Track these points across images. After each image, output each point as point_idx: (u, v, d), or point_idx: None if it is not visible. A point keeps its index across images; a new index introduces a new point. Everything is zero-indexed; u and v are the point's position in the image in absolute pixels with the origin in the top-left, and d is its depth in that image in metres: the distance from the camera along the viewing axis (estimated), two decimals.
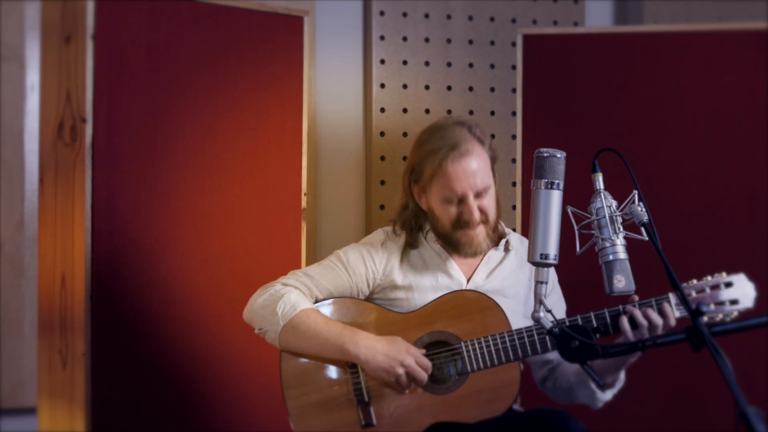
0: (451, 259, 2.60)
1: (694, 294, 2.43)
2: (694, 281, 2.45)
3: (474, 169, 2.50)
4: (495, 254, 2.64)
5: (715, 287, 2.43)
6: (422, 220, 2.62)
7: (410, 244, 2.60)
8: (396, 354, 2.45)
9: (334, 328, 2.49)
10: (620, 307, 2.41)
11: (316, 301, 2.56)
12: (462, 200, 2.51)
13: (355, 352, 2.46)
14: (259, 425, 3.10)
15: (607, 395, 2.59)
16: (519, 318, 2.55)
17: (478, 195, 2.51)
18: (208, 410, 3.05)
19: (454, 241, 2.56)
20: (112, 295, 2.90)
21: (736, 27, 3.45)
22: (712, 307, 2.41)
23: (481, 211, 2.52)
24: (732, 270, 2.50)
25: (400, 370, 2.44)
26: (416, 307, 2.55)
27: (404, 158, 3.83)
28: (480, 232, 2.54)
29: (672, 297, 2.42)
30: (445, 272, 2.59)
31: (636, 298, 2.42)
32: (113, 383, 2.89)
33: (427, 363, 2.46)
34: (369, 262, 2.58)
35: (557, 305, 2.66)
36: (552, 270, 2.67)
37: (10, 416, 3.30)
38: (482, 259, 2.63)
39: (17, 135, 3.32)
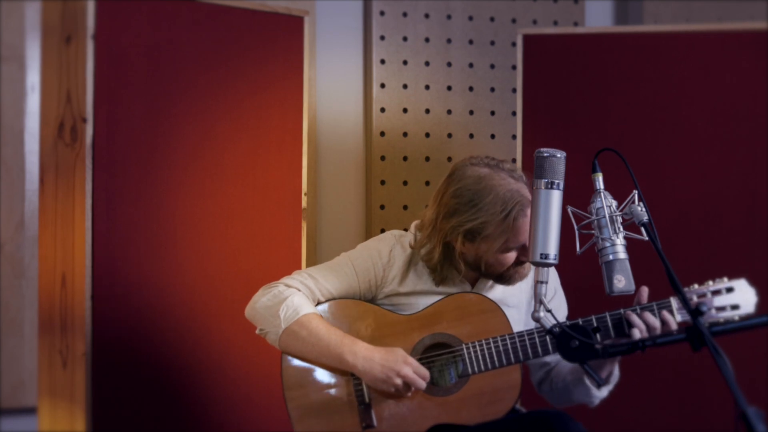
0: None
1: (695, 298, 2.42)
2: (696, 286, 2.45)
3: None
4: None
5: (717, 292, 2.43)
6: (451, 259, 2.53)
7: (441, 282, 2.55)
8: (393, 364, 2.44)
9: (334, 336, 2.48)
10: (621, 310, 2.42)
11: (318, 304, 2.56)
12: (522, 246, 2.47)
13: (353, 362, 2.46)
14: (259, 425, 3.10)
15: (603, 392, 2.58)
16: (521, 327, 2.54)
17: None
18: (208, 410, 3.05)
19: (502, 277, 2.52)
20: (112, 295, 2.90)
21: (736, 27, 3.45)
22: (713, 311, 2.41)
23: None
24: (732, 271, 2.50)
25: (398, 381, 2.44)
26: (419, 309, 2.55)
27: (404, 158, 3.84)
28: (528, 264, 2.51)
29: (674, 301, 2.42)
30: (452, 278, 2.58)
31: (646, 292, 2.42)
32: (113, 383, 2.89)
33: (425, 372, 2.46)
34: (378, 268, 2.57)
35: (559, 309, 2.64)
36: (555, 274, 2.68)
37: (11, 416, 3.30)
38: None
39: (17, 135, 3.32)
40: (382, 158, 3.82)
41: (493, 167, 2.48)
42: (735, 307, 2.42)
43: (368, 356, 2.46)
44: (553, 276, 2.67)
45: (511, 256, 2.47)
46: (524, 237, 2.43)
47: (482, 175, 2.46)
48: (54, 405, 2.96)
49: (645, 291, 2.43)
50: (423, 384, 2.45)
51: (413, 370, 2.44)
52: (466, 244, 2.48)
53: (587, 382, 2.52)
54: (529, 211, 2.40)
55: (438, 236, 2.50)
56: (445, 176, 2.54)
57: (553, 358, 2.61)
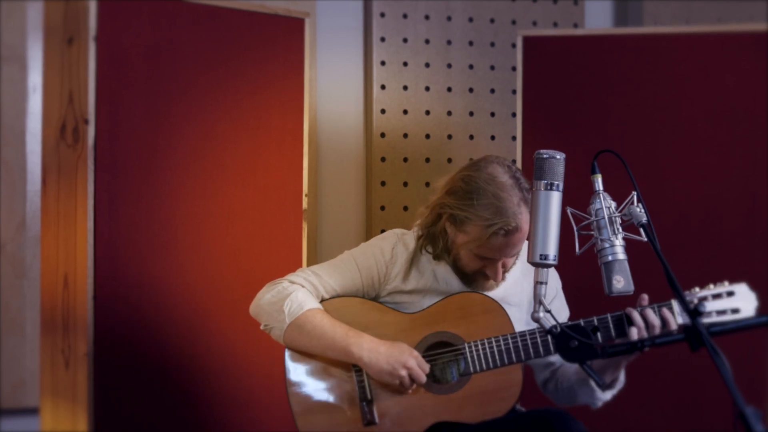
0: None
1: (696, 301, 2.42)
2: (697, 289, 2.45)
3: (516, 242, 2.45)
4: None
5: (717, 296, 2.43)
6: (435, 228, 2.58)
7: (437, 257, 2.59)
8: (399, 356, 2.46)
9: (339, 330, 2.50)
10: (622, 312, 2.42)
11: (322, 301, 2.57)
12: (492, 261, 2.50)
13: (358, 355, 2.48)
14: (260, 425, 3.11)
15: (607, 395, 2.59)
16: (523, 325, 2.55)
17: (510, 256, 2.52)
18: (209, 410, 3.06)
19: (464, 277, 2.57)
20: (114, 296, 2.91)
21: (735, 28, 3.46)
22: (714, 315, 2.42)
23: (504, 266, 2.52)
24: (732, 272, 2.51)
25: (403, 373, 2.46)
26: (422, 308, 2.57)
27: (405, 159, 3.85)
28: (492, 282, 2.56)
29: (675, 304, 2.43)
30: (452, 278, 2.59)
31: (645, 300, 2.43)
32: (115, 383, 2.90)
33: (426, 366, 2.48)
34: (380, 265, 2.59)
35: (560, 312, 2.65)
36: (556, 277, 2.69)
37: (12, 416, 3.31)
38: None
39: (19, 136, 3.33)
40: (383, 159, 3.83)
41: (514, 179, 2.47)
42: (735, 311, 2.42)
43: (374, 348, 2.48)
44: (554, 278, 2.68)
45: (477, 263, 2.51)
46: (494, 254, 2.47)
47: (498, 179, 2.46)
48: (56, 405, 2.97)
49: (645, 298, 2.44)
50: (424, 377, 2.47)
51: (418, 364, 2.46)
52: (450, 225, 2.53)
53: (592, 384, 2.53)
54: (511, 239, 2.44)
55: (435, 203, 2.56)
56: (474, 160, 2.58)
57: (558, 358, 2.62)
